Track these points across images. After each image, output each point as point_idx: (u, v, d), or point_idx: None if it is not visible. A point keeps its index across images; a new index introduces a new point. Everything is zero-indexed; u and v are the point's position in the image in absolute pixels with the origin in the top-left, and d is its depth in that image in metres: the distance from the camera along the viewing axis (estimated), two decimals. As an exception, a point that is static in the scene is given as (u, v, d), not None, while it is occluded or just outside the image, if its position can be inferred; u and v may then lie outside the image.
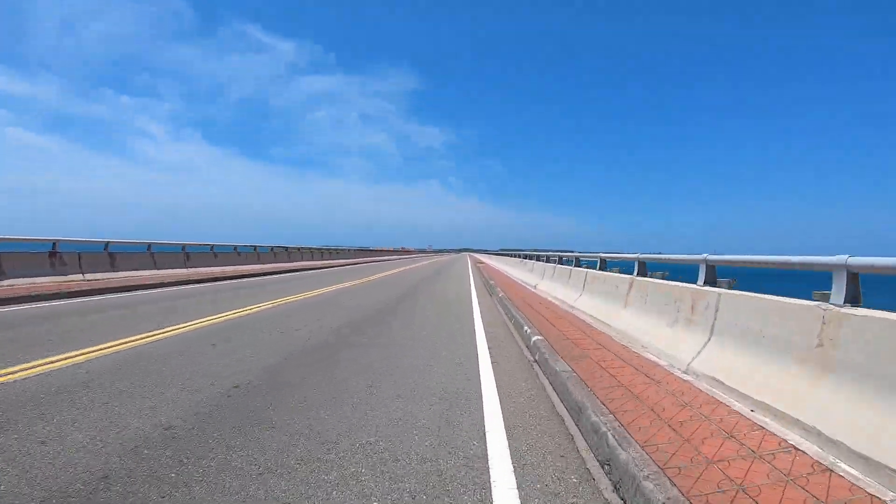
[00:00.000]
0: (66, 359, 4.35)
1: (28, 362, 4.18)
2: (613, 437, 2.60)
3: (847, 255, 2.81)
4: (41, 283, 10.87)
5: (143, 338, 5.38)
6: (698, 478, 2.19)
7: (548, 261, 14.08)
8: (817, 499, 2.01)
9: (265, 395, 3.50)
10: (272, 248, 24.20)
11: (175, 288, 12.01)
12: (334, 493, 2.16)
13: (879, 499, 2.01)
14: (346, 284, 14.22)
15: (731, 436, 2.69)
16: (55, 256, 11.94)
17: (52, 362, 4.20)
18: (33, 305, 8.06)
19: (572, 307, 8.44)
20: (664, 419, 2.95)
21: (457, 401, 3.50)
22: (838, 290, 2.81)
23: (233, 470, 2.34)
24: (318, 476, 2.31)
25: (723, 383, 3.47)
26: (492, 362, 4.76)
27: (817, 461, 2.37)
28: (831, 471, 2.27)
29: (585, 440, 2.92)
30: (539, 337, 5.45)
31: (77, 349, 4.72)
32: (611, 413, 3.00)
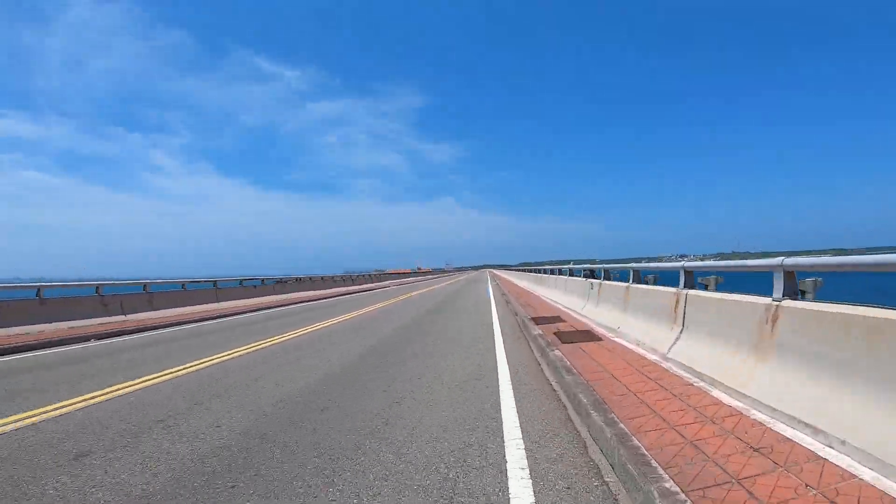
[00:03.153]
0: (161, 375, 5.40)
1: (131, 379, 5.25)
2: (585, 398, 3.42)
3: (783, 257, 3.60)
4: (92, 323, 12.19)
5: (228, 355, 6.43)
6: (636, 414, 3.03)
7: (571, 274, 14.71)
8: (728, 431, 2.82)
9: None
10: (278, 279, 24.67)
11: (213, 321, 13.23)
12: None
13: (782, 434, 2.82)
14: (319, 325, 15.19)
15: (676, 396, 3.52)
16: (100, 299, 13.33)
17: (148, 379, 5.24)
18: (101, 342, 9.27)
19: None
20: (633, 391, 3.83)
21: None
22: (778, 287, 3.59)
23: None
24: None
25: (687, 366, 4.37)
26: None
27: (738, 411, 3.17)
28: (765, 427, 3.07)
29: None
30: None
31: (165, 369, 5.77)
32: (578, 374, 3.82)
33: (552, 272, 18.17)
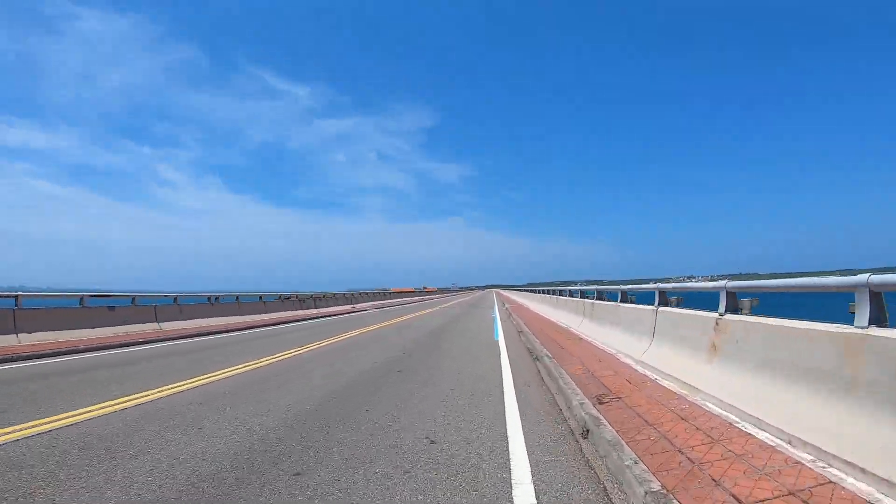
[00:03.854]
0: (218, 374, 6.55)
1: (191, 377, 6.40)
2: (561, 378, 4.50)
3: (726, 281, 4.71)
4: (130, 330, 13.41)
5: (265, 361, 7.58)
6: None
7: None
8: (682, 418, 3.90)
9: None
10: (280, 296, 25.15)
11: (246, 331, 14.42)
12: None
13: (725, 421, 3.91)
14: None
15: (635, 384, 4.61)
16: (135, 309, 14.59)
17: (205, 377, 6.40)
18: (155, 345, 10.46)
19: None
20: (607, 385, 4.94)
21: None
22: (722, 303, 4.69)
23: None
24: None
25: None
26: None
27: (688, 398, 4.26)
28: (701, 408, 4.16)
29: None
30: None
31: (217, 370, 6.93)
32: (554, 358, 4.91)
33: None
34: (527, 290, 43.96)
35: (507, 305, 28.81)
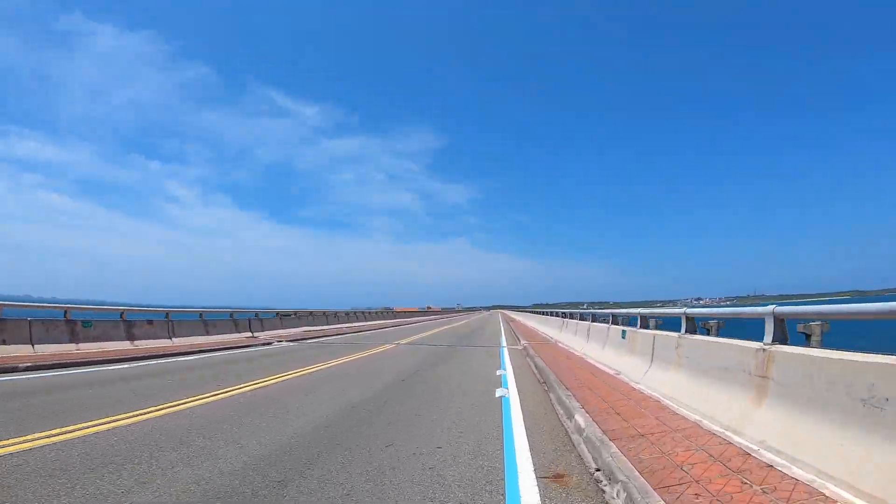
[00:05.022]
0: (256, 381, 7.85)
1: (235, 384, 7.69)
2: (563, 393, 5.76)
3: (684, 308, 6.01)
4: (162, 344, 14.77)
5: (302, 371, 8.88)
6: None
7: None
8: (663, 422, 5.18)
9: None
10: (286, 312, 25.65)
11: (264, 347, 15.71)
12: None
13: (694, 423, 5.15)
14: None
15: (624, 394, 5.87)
16: (168, 323, 15.95)
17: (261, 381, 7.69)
18: (198, 356, 11.74)
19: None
20: (608, 401, 6.15)
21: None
22: (681, 326, 5.96)
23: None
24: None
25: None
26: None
27: (655, 399, 5.51)
28: (671, 410, 5.41)
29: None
30: None
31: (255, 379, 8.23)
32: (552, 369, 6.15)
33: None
34: (532, 312, 43.58)
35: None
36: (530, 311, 49.13)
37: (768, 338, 4.10)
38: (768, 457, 3.52)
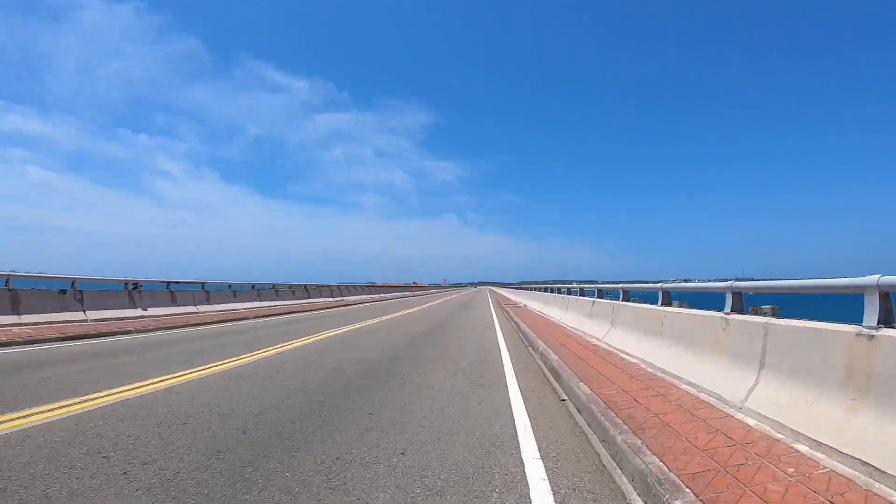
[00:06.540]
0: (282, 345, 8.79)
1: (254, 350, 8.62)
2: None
3: (660, 284, 7.07)
4: (167, 312, 15.53)
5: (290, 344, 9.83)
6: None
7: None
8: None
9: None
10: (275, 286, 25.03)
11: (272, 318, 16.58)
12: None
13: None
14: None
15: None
16: (170, 294, 16.63)
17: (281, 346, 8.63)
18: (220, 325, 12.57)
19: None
20: (574, 351, 7.28)
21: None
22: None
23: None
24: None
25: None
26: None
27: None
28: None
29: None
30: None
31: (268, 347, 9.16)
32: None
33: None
34: (520, 288, 43.99)
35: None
36: (516, 287, 48.60)
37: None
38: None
